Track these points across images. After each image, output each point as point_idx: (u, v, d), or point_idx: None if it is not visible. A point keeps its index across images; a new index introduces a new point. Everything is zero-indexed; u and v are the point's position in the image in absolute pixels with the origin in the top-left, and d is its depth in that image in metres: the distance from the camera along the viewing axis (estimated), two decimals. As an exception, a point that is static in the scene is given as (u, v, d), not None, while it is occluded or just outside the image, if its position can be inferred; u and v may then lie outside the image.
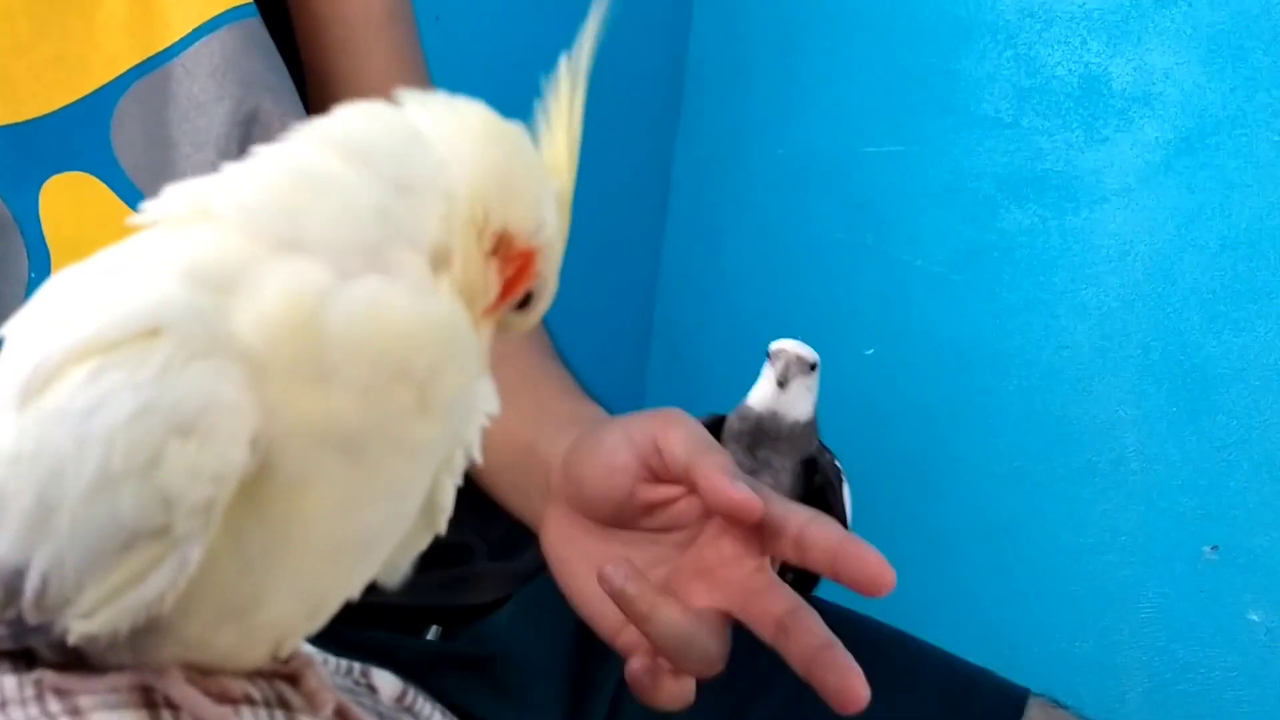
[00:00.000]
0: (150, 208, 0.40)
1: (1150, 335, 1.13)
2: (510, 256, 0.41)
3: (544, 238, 0.41)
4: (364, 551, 0.41)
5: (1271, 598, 1.06)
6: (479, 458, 0.42)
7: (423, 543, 0.44)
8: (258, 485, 0.37)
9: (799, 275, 1.41)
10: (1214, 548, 1.09)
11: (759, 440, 0.72)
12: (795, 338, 1.24)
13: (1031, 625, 1.21)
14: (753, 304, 1.46)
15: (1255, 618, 1.07)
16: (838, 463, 0.73)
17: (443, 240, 0.39)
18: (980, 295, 1.24)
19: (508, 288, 0.41)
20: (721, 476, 0.49)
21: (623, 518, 0.55)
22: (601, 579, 0.50)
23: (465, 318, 0.39)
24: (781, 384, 0.72)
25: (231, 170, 0.39)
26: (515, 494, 0.67)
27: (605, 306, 1.45)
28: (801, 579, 0.76)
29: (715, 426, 0.74)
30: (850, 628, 0.65)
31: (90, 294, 0.38)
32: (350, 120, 0.40)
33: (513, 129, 0.42)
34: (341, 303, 0.37)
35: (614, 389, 1.58)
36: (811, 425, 0.73)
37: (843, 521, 0.74)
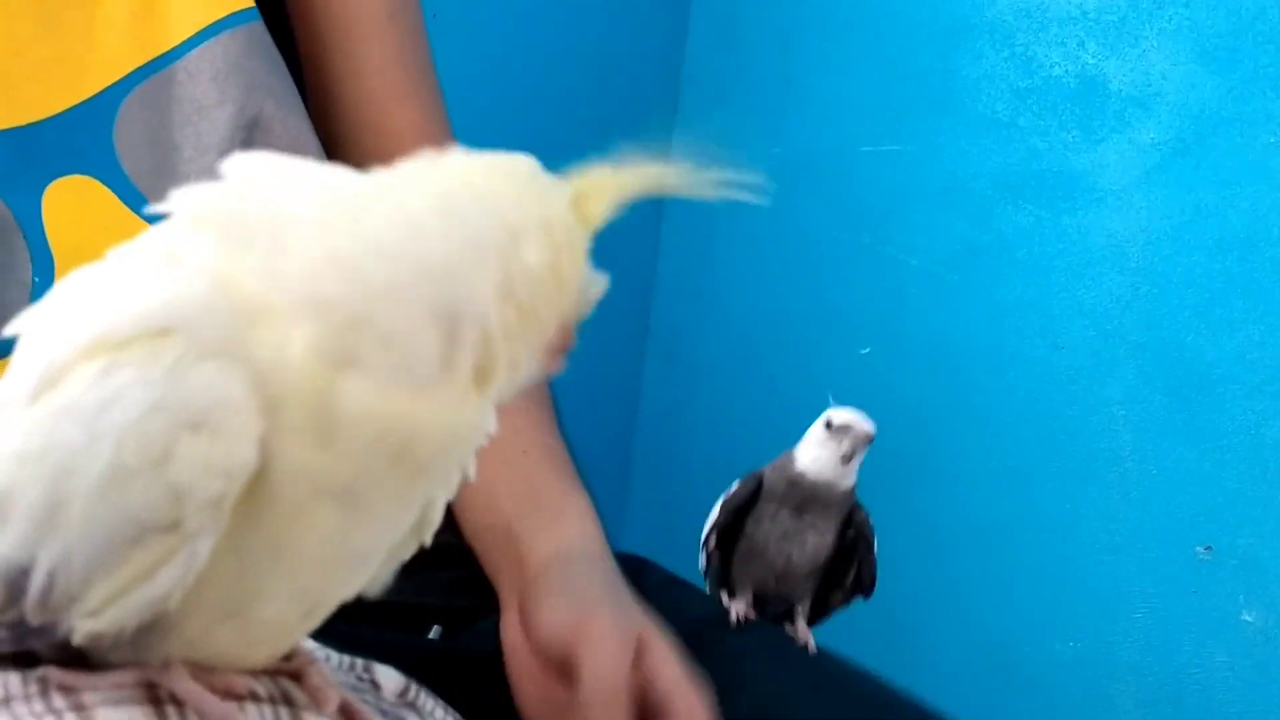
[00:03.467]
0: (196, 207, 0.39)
1: (1146, 335, 1.13)
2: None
3: (584, 312, 0.41)
4: (357, 564, 0.41)
5: (1265, 598, 1.06)
6: (473, 475, 0.42)
7: (408, 551, 0.44)
8: (253, 498, 0.37)
9: (795, 274, 1.41)
10: (1208, 548, 1.10)
11: (808, 505, 0.73)
12: (791, 337, 1.25)
13: (1024, 624, 1.21)
14: (749, 303, 1.46)
15: (1248, 618, 1.07)
16: (870, 520, 0.75)
17: (490, 347, 0.38)
18: (976, 295, 1.25)
19: (548, 361, 0.41)
20: None
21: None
22: None
23: (482, 420, 0.40)
24: (847, 460, 0.73)
25: (295, 203, 0.38)
26: (485, 560, 0.70)
27: (600, 306, 1.44)
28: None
29: (755, 492, 0.75)
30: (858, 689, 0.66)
31: (103, 292, 0.38)
32: (420, 194, 0.39)
33: (567, 215, 0.40)
34: (360, 389, 0.37)
35: (609, 390, 1.59)
36: (853, 489, 0.74)
37: (871, 578, 0.76)
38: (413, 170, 0.40)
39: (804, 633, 0.74)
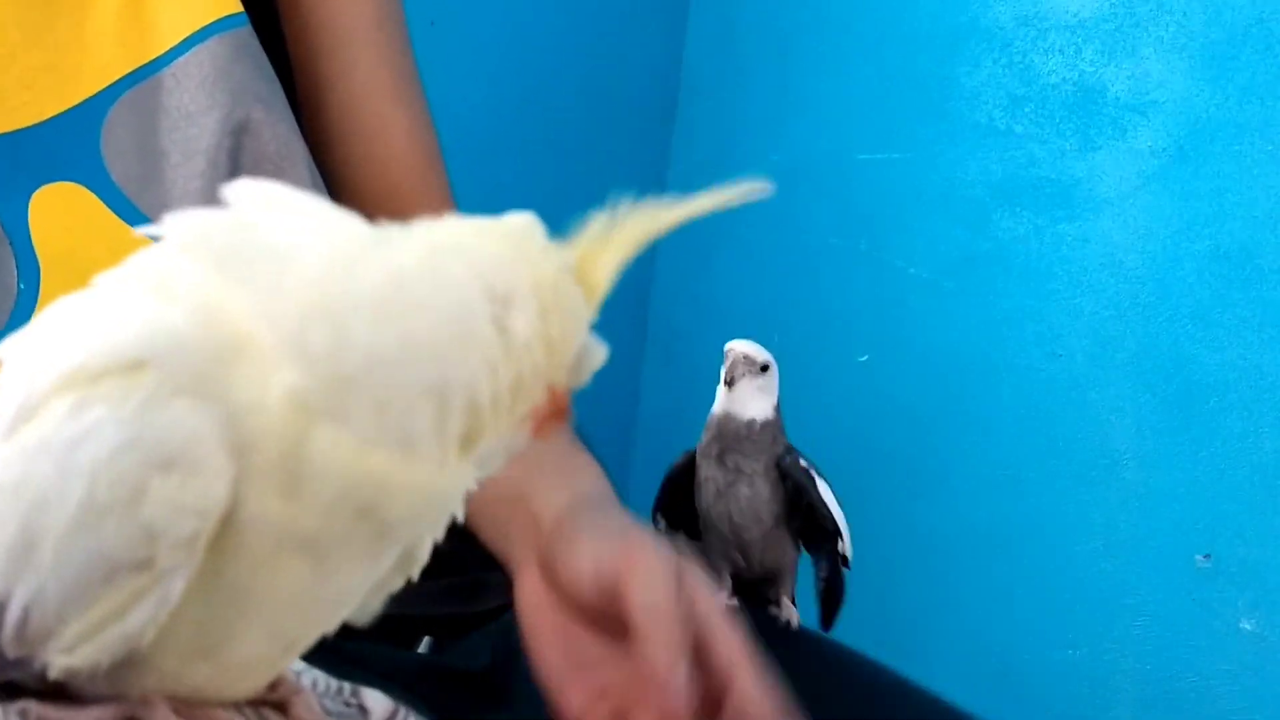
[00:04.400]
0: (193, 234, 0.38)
1: (1143, 343, 1.13)
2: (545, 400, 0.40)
3: (579, 381, 0.41)
4: (331, 606, 0.41)
5: (1263, 606, 1.06)
6: (461, 517, 0.41)
7: (396, 585, 0.43)
8: (220, 544, 0.36)
9: (792, 281, 1.41)
10: (1206, 556, 1.09)
11: (726, 448, 0.71)
12: (789, 344, 1.24)
13: (1024, 632, 1.21)
14: (746, 309, 1.46)
15: (1247, 626, 1.07)
16: (804, 462, 0.72)
17: (479, 417, 0.38)
18: (974, 302, 1.24)
19: (539, 427, 0.40)
20: (663, 655, 0.49)
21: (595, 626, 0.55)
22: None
23: (460, 484, 0.39)
24: (729, 384, 0.71)
25: (287, 243, 0.37)
26: (494, 532, 0.67)
27: (599, 310, 1.44)
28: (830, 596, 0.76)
29: (690, 463, 0.74)
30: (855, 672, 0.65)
31: (84, 321, 0.38)
32: (412, 255, 0.38)
33: (562, 280, 0.39)
34: (334, 442, 0.36)
35: (607, 393, 1.59)
36: (773, 426, 0.72)
37: (829, 519, 0.72)
38: (409, 230, 0.39)
39: (787, 609, 0.72)
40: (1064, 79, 1.19)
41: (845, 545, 0.73)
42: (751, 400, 0.72)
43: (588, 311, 0.40)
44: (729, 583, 0.74)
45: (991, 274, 1.23)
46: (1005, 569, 1.22)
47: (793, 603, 0.73)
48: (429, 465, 0.37)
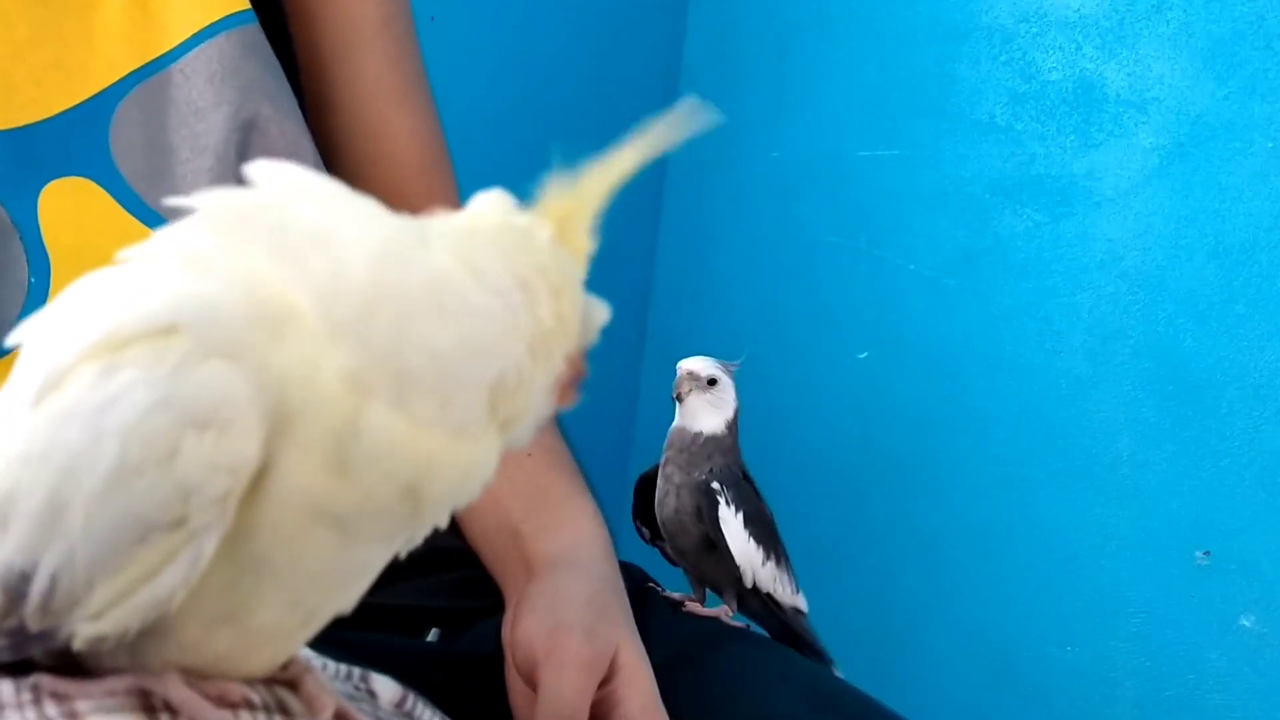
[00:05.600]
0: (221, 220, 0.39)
1: (1143, 340, 1.13)
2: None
3: (589, 341, 0.42)
4: (352, 579, 0.41)
5: (1263, 603, 1.06)
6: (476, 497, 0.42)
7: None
8: (249, 510, 0.37)
9: (792, 278, 1.41)
10: (1206, 553, 1.09)
11: (669, 459, 0.74)
12: (788, 341, 1.24)
13: (1022, 629, 1.21)
14: (746, 307, 1.46)
15: (1247, 623, 1.07)
16: (718, 485, 0.73)
17: (521, 399, 0.39)
18: (973, 299, 1.25)
19: (563, 394, 0.42)
20: None
21: None
22: None
23: (495, 457, 0.40)
24: (677, 399, 0.74)
25: (326, 230, 0.38)
26: (493, 559, 0.70)
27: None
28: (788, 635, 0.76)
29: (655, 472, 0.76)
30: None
31: (111, 293, 0.38)
32: (457, 266, 0.38)
33: (557, 253, 0.40)
34: (390, 423, 0.37)
35: (607, 392, 1.59)
36: (717, 441, 0.74)
37: (725, 548, 0.72)
38: (431, 223, 0.40)
39: (729, 607, 0.74)
40: (1064, 76, 1.19)
41: (749, 577, 0.74)
42: (702, 413, 0.74)
43: (580, 273, 0.41)
44: (702, 590, 0.76)
45: (991, 271, 1.23)
46: (1004, 566, 1.22)
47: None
48: (473, 443, 0.39)
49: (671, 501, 0.73)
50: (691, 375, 0.74)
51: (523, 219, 0.40)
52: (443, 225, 0.39)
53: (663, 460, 0.74)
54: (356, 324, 0.37)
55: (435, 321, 0.37)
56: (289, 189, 0.39)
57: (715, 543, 0.72)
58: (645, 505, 0.76)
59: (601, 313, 0.42)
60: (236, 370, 0.36)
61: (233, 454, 0.36)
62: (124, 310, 0.37)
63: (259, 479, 0.36)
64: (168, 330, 0.36)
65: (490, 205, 0.41)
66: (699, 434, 0.73)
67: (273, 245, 0.38)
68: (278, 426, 0.36)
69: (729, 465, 0.73)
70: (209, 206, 0.39)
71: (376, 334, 0.37)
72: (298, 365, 0.36)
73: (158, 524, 0.36)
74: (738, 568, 0.72)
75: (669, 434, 0.74)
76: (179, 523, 0.36)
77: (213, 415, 0.35)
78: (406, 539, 0.41)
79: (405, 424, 0.37)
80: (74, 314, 0.38)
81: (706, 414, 0.74)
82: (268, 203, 0.39)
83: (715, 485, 0.73)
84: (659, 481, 0.74)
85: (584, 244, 0.41)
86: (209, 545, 0.36)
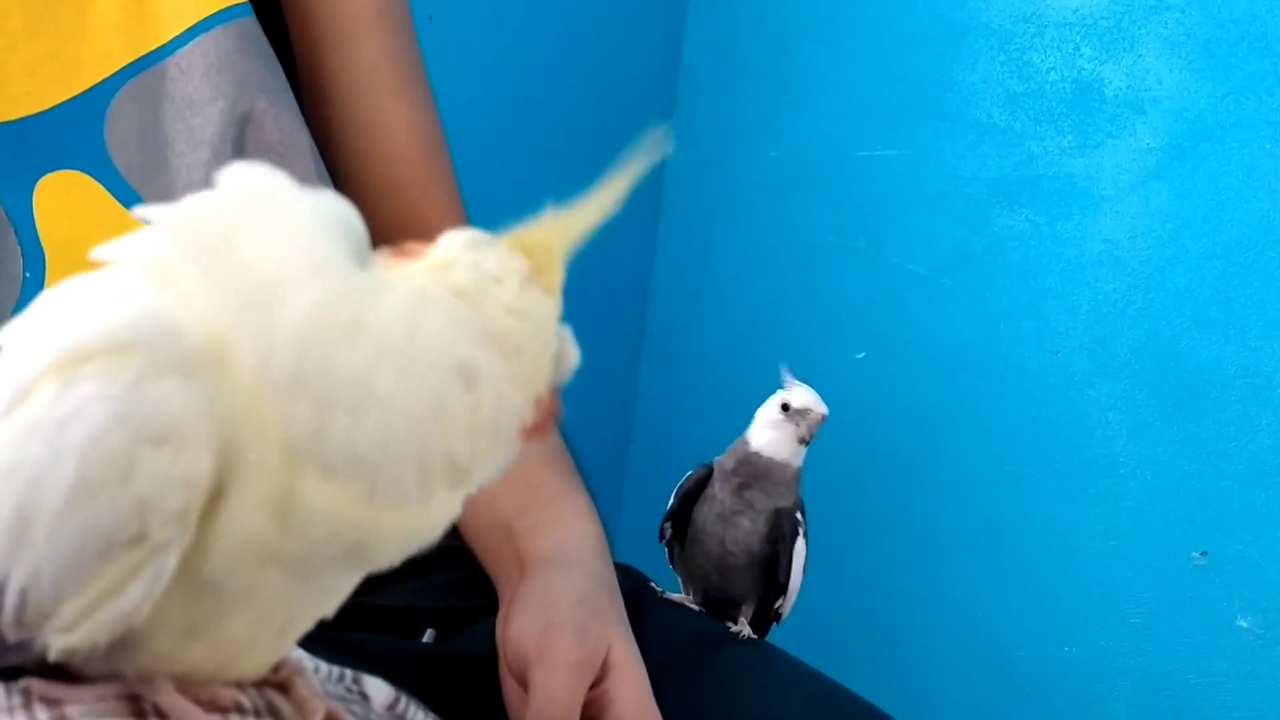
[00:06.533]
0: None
1: (1141, 341, 1.13)
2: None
3: (562, 381, 0.41)
4: (320, 597, 0.41)
5: (1260, 604, 1.06)
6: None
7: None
8: (202, 538, 0.37)
9: (790, 278, 1.41)
10: (1203, 553, 1.09)
11: (749, 481, 0.72)
12: (787, 341, 1.24)
13: (1019, 629, 1.21)
14: (744, 307, 1.46)
15: (1244, 624, 1.07)
16: (800, 514, 0.73)
17: (463, 467, 0.38)
18: (971, 300, 1.25)
19: (531, 434, 0.41)
20: None
21: None
22: None
23: (449, 512, 0.39)
24: (805, 442, 0.72)
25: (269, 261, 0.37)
26: (486, 557, 0.70)
27: (597, 309, 1.45)
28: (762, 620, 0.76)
29: (706, 478, 0.74)
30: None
31: (76, 306, 0.38)
32: (392, 343, 0.37)
33: (526, 293, 0.39)
34: (318, 491, 0.36)
35: (606, 392, 1.59)
36: (796, 474, 0.73)
37: (786, 574, 0.73)
38: (381, 281, 0.38)
39: (743, 625, 0.73)
40: (1062, 76, 1.19)
41: (785, 604, 0.74)
42: (788, 446, 0.72)
43: (553, 310, 0.40)
44: (701, 595, 0.76)
45: (989, 271, 1.23)
46: (1002, 566, 1.22)
47: (749, 622, 0.75)
48: (419, 508, 0.38)
49: (746, 524, 0.72)
50: (823, 419, 0.72)
51: (491, 262, 0.39)
52: (397, 279, 0.38)
53: (732, 477, 0.73)
54: (284, 400, 0.36)
55: (352, 420, 0.36)
56: (251, 208, 0.38)
57: (775, 569, 0.72)
58: (686, 507, 0.75)
59: (573, 352, 0.41)
60: (192, 388, 0.36)
61: (188, 469, 0.35)
62: (85, 325, 0.37)
63: (211, 509, 0.36)
64: (126, 347, 0.36)
65: (459, 249, 0.39)
66: (786, 464, 0.72)
67: (220, 284, 0.37)
68: (229, 456, 0.36)
69: (799, 498, 0.73)
70: (169, 222, 0.38)
71: (298, 420, 0.36)
72: (244, 406, 0.36)
73: (118, 540, 0.36)
74: (785, 596, 0.73)
75: (742, 453, 0.72)
76: (139, 539, 0.36)
77: (169, 431, 0.35)
78: (371, 571, 0.40)
79: (340, 498, 0.36)
80: (42, 325, 0.38)
81: (796, 448, 0.72)
82: (225, 229, 0.37)
83: (799, 517, 0.72)
84: (721, 495, 0.73)
85: (557, 277, 0.40)
86: (171, 561, 0.36)
